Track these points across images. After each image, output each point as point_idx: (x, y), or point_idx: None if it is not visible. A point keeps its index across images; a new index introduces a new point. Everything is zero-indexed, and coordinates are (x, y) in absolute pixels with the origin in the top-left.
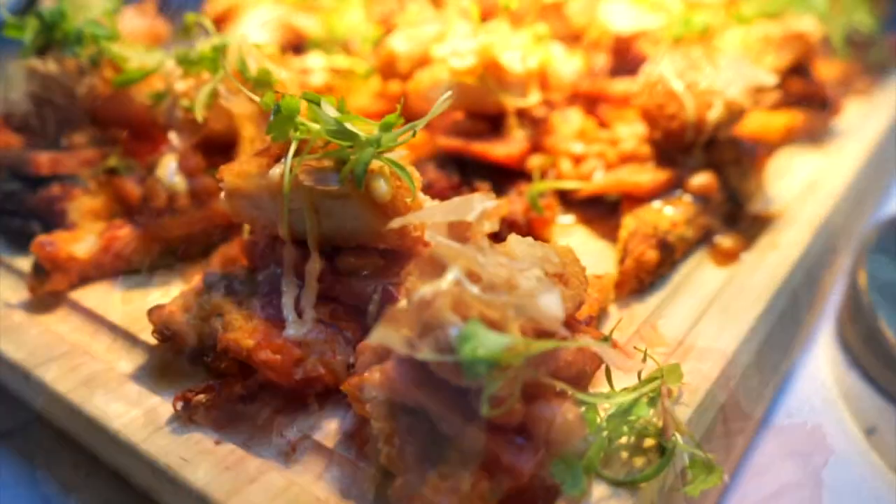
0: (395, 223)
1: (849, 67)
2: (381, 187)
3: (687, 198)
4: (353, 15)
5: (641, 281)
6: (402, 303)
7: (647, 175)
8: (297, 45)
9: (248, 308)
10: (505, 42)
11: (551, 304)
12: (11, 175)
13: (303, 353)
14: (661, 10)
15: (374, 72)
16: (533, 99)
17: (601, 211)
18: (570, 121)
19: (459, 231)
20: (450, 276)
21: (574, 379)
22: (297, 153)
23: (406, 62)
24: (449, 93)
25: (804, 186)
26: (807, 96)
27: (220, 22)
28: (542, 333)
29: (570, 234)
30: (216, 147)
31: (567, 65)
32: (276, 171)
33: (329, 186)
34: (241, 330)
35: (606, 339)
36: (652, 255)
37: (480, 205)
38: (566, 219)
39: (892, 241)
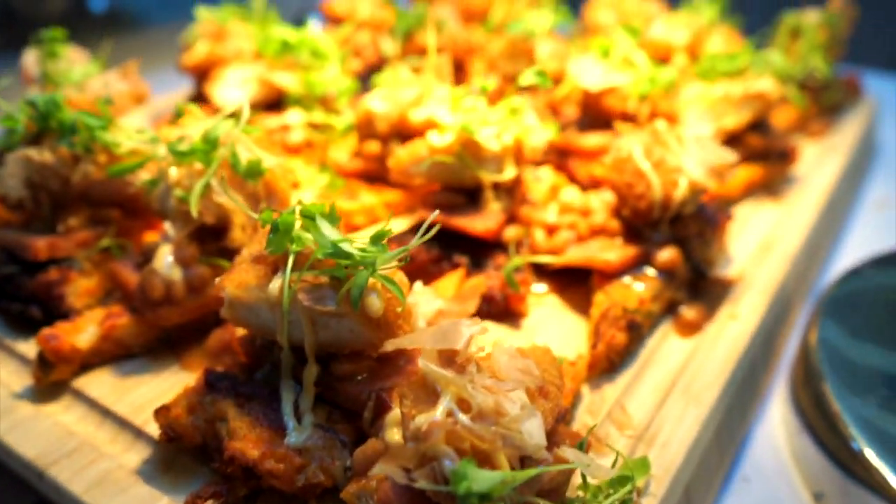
0: (389, 346)
1: (804, 111)
2: (375, 304)
3: (653, 272)
4: (331, 70)
5: (612, 362)
6: (395, 412)
7: (616, 252)
8: (275, 101)
9: (250, 412)
10: (481, 118)
11: (534, 433)
12: (9, 258)
13: (303, 461)
14: (629, 66)
15: (353, 128)
16: (509, 174)
17: (573, 279)
18: (542, 178)
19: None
20: (442, 407)
21: (554, 489)
22: (294, 265)
23: (383, 122)
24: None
25: (761, 245)
26: (766, 150)
27: (199, 71)
28: (527, 458)
29: (544, 303)
30: (209, 232)
31: (541, 135)
32: (275, 285)
33: (326, 307)
34: (246, 439)
35: (581, 444)
36: (621, 337)
37: (468, 331)
38: (540, 287)
39: (844, 300)
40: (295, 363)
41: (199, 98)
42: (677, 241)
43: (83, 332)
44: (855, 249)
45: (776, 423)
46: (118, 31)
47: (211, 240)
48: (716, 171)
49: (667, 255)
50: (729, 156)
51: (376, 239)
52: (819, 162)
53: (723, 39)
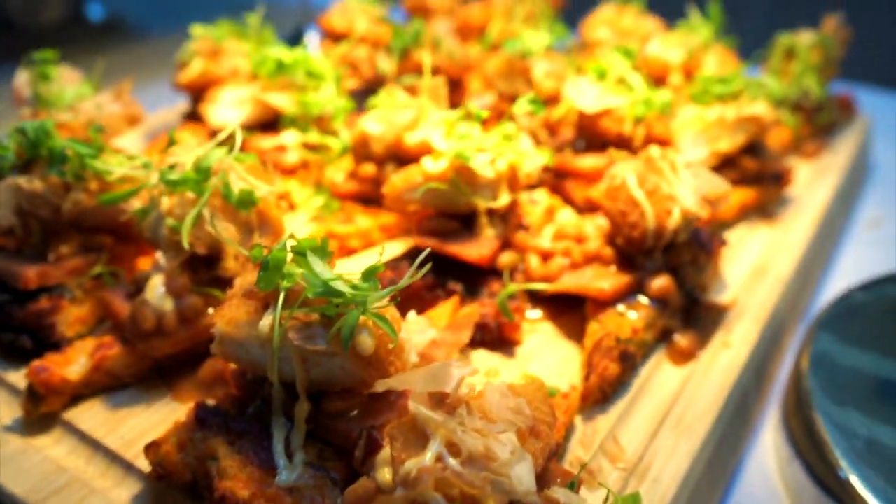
0: (379, 386)
1: (798, 131)
2: (366, 342)
3: (646, 300)
4: (326, 91)
5: (605, 393)
6: (386, 450)
7: (610, 281)
8: (271, 121)
9: (241, 449)
10: (475, 145)
11: (524, 478)
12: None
13: (294, 501)
14: (625, 88)
15: (348, 150)
16: (503, 200)
17: (568, 305)
18: (538, 201)
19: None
20: (431, 452)
21: None
22: (285, 301)
23: (379, 144)
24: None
25: (755, 269)
26: (760, 173)
27: (194, 89)
28: (517, 503)
29: (538, 330)
30: (202, 261)
31: (535, 161)
32: (266, 322)
33: (317, 346)
34: (236, 478)
35: (573, 484)
36: (614, 368)
37: (459, 373)
38: (534, 313)
39: (835, 326)
40: (286, 399)
41: (194, 115)
42: (671, 268)
43: (74, 364)
44: (848, 269)
45: (768, 450)
46: (115, 41)
47: (204, 269)
48: (709, 199)
49: (660, 283)
50: (722, 184)
51: (368, 275)
52: (813, 183)
53: (718, 59)
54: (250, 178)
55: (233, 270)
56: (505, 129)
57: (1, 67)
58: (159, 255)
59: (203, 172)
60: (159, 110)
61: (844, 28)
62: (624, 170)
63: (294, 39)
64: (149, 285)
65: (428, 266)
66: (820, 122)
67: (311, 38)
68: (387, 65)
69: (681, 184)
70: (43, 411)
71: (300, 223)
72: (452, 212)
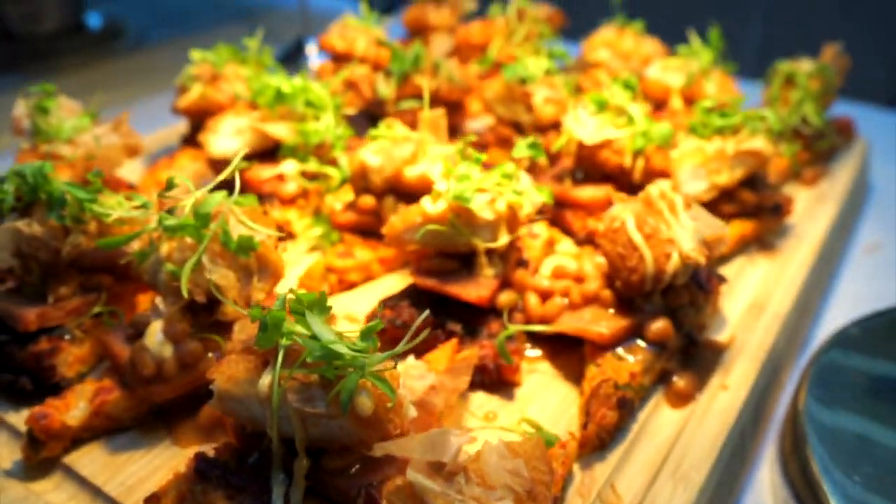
0: (378, 451)
1: (797, 159)
2: (365, 404)
3: (644, 344)
4: (325, 120)
5: (603, 441)
6: None
7: (609, 324)
8: (270, 149)
9: None
10: (474, 185)
11: None
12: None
13: None
14: (625, 118)
15: (347, 180)
16: (502, 240)
17: (567, 344)
18: (537, 234)
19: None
20: None
21: None
22: (284, 359)
23: (378, 175)
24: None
25: (752, 304)
26: (759, 205)
27: (194, 113)
28: None
29: (537, 369)
30: (200, 306)
31: (535, 199)
32: (265, 381)
33: (316, 409)
34: None
35: None
36: (612, 416)
37: (457, 441)
38: (533, 352)
39: (831, 368)
40: (285, 455)
41: (193, 139)
42: (669, 310)
43: (73, 409)
44: (847, 296)
45: (765, 487)
46: (114, 50)
47: (203, 313)
48: (707, 243)
49: (658, 327)
50: (721, 226)
51: (366, 334)
52: (812, 211)
53: (717, 85)
54: (249, 222)
55: (232, 315)
56: (504, 168)
57: (3, 77)
58: (158, 300)
59: (202, 219)
60: (157, 127)
61: (843, 56)
62: (623, 212)
63: (294, 50)
64: (148, 331)
65: (426, 312)
66: (819, 148)
67: (311, 49)
68: (386, 89)
69: (680, 226)
70: (43, 456)
71: (300, 253)
72: (451, 251)
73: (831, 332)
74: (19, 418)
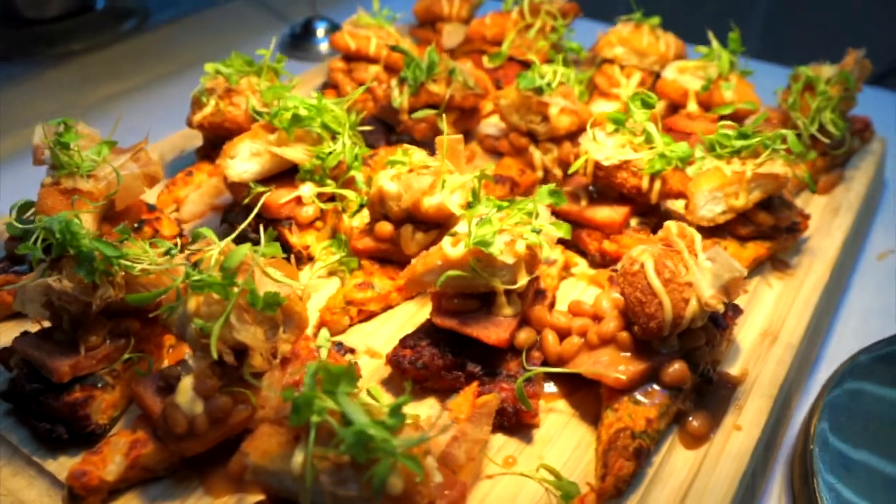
0: None
1: (813, 166)
2: (396, 484)
3: (659, 388)
4: (342, 141)
5: (620, 490)
6: None
7: (626, 369)
8: (287, 170)
9: None
10: (494, 229)
11: None
12: (33, 372)
13: None
14: (642, 137)
15: (365, 204)
16: (522, 282)
17: (582, 381)
18: (554, 261)
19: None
20: None
21: None
22: (316, 438)
23: (395, 203)
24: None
25: (765, 332)
26: (775, 227)
27: (208, 128)
28: None
29: (555, 408)
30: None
31: (553, 233)
32: (298, 460)
33: (349, 492)
34: None
35: None
36: (629, 466)
37: None
38: (550, 387)
39: (842, 400)
40: None
41: (209, 152)
42: (685, 353)
43: (110, 465)
44: (861, 307)
45: None
46: (122, 30)
47: (232, 367)
48: (725, 288)
49: (675, 370)
50: (739, 270)
51: (395, 410)
52: (827, 225)
53: (734, 91)
54: (275, 274)
55: (260, 367)
56: (524, 205)
57: (12, 62)
58: (187, 356)
59: (228, 277)
60: (171, 114)
61: (865, 61)
62: (642, 255)
63: (302, 29)
64: (180, 388)
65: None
66: (837, 154)
67: (320, 31)
68: (400, 98)
69: (699, 268)
70: None
71: (318, 276)
72: (471, 291)
73: (841, 358)
74: (57, 465)
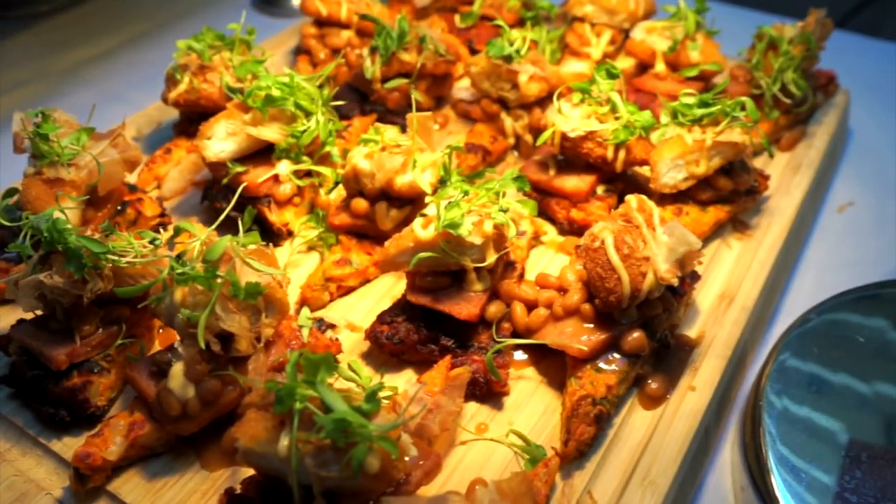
0: None
1: (775, 124)
2: (373, 463)
3: (619, 356)
4: (314, 120)
5: (582, 452)
6: None
7: (588, 339)
8: (264, 148)
9: None
10: (463, 210)
11: None
12: (33, 360)
13: None
14: (608, 107)
15: (340, 181)
16: (490, 259)
17: (549, 349)
18: (524, 232)
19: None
20: None
21: None
22: (299, 423)
23: (369, 180)
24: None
25: (722, 295)
26: (735, 191)
27: (183, 105)
28: None
29: (524, 374)
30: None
31: (523, 216)
32: (284, 443)
33: (331, 473)
34: None
35: None
36: (590, 431)
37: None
38: (520, 355)
39: (792, 359)
40: (304, 496)
41: (186, 128)
42: (644, 321)
43: (112, 445)
44: (818, 262)
45: (726, 469)
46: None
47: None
48: (681, 262)
49: (633, 340)
50: (695, 242)
51: (371, 396)
52: (787, 183)
53: (700, 51)
54: (255, 264)
55: (246, 351)
56: (491, 185)
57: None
58: (177, 344)
59: (211, 270)
60: (143, 80)
61: (826, 21)
62: (603, 231)
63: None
64: (171, 374)
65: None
66: (800, 111)
67: None
68: (372, 68)
69: (656, 243)
70: (89, 487)
71: (298, 251)
72: (443, 269)
73: (798, 312)
74: (62, 445)
